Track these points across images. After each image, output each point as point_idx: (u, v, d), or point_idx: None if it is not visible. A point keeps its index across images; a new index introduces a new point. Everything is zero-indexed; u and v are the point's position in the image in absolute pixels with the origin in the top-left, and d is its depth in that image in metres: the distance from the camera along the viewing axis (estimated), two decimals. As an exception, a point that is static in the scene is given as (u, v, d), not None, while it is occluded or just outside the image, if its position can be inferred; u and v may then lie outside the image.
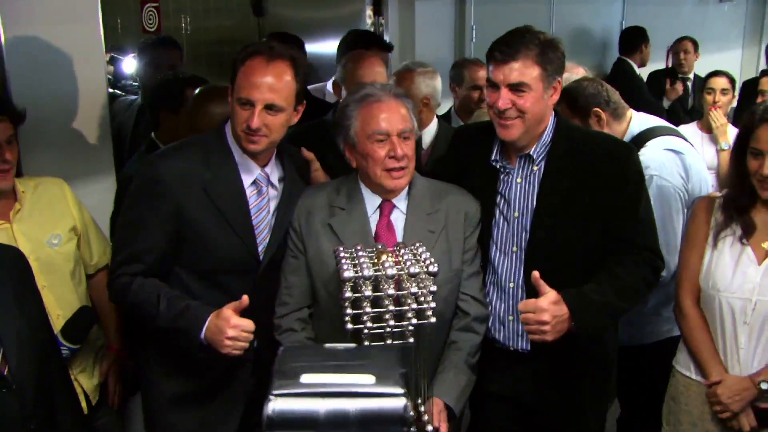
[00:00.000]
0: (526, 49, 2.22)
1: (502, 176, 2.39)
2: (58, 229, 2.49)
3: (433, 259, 1.96)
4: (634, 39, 6.00)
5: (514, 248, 2.37)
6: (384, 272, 1.90)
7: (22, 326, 1.90)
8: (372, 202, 2.32)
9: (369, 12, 4.39)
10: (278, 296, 2.35)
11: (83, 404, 2.52)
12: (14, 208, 2.42)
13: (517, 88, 2.23)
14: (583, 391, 2.46)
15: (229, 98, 2.28)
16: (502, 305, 2.41)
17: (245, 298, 2.12)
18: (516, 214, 2.36)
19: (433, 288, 1.92)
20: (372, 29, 4.38)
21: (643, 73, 6.12)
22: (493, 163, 2.40)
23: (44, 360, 1.97)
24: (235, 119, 2.23)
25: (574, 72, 3.64)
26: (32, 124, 2.79)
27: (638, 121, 3.04)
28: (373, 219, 2.31)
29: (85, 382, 2.58)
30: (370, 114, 2.25)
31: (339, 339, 1.90)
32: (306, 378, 1.48)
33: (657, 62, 6.33)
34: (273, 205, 2.36)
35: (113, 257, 2.34)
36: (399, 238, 2.28)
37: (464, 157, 2.51)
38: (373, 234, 2.29)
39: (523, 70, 2.22)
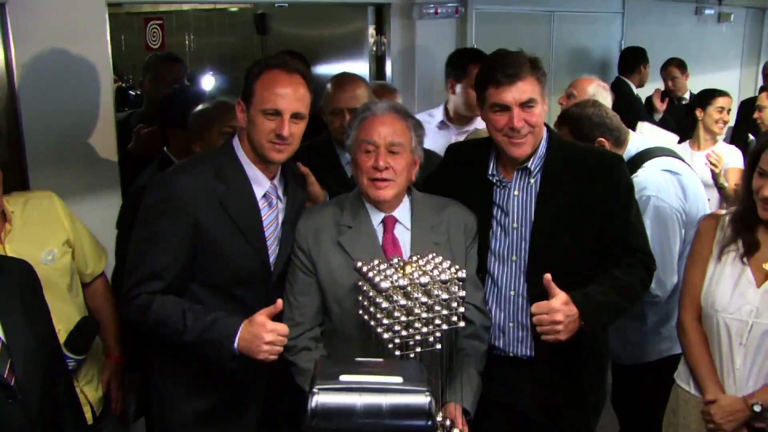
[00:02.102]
0: (524, 67, 2.34)
1: (498, 190, 2.50)
2: (51, 245, 2.49)
3: (458, 266, 2.05)
4: (633, 59, 6.08)
5: (514, 257, 2.46)
6: (417, 281, 1.99)
7: (29, 337, 1.94)
8: (375, 217, 2.39)
9: (371, 31, 4.44)
10: (287, 317, 2.35)
11: (89, 415, 2.54)
12: (5, 229, 2.39)
13: (526, 105, 2.35)
14: (583, 393, 2.54)
15: (240, 113, 2.34)
16: (502, 313, 2.50)
17: (280, 302, 2.18)
18: (515, 225, 2.45)
19: (462, 293, 2.02)
20: (374, 49, 4.43)
21: (642, 94, 6.21)
22: (490, 178, 2.50)
23: (50, 371, 2.01)
24: (257, 130, 2.28)
25: (600, 86, 3.69)
26: (41, 139, 2.88)
27: (635, 142, 3.09)
28: (378, 234, 2.37)
29: (90, 393, 2.60)
30: (365, 126, 2.34)
31: (352, 355, 1.97)
32: (344, 377, 1.68)
33: (656, 82, 6.40)
34: (281, 217, 2.43)
35: (128, 277, 2.31)
36: (404, 252, 2.34)
37: (459, 173, 2.60)
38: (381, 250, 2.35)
39: (529, 87, 2.35)
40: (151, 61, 4.28)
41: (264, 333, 2.13)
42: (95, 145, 3.07)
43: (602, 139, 2.98)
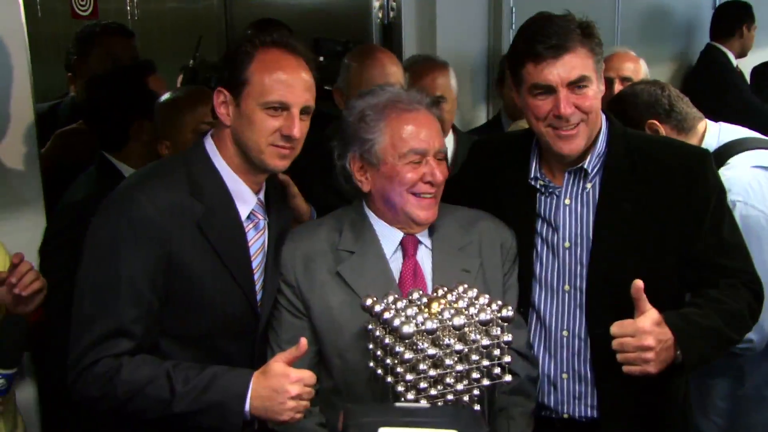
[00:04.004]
0: (573, 35, 2.40)
1: (542, 198, 2.57)
2: None
3: (500, 302, 2.11)
4: (731, 19, 6.06)
5: (566, 287, 2.53)
6: (450, 322, 2.03)
7: None
8: (390, 239, 2.47)
9: (377, -8, 4.51)
10: None
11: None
12: None
13: (576, 84, 2.40)
14: None
15: (221, 107, 2.36)
16: (552, 361, 2.56)
17: (304, 341, 2.19)
18: (567, 244, 2.52)
19: (508, 338, 2.07)
20: (380, 16, 4.49)
21: (746, 66, 6.23)
22: (532, 182, 2.57)
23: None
24: (255, 129, 2.33)
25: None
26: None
27: (716, 132, 3.08)
28: (393, 261, 2.45)
29: None
30: (403, 127, 2.42)
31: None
32: None
33: (765, 50, 6.42)
34: (267, 242, 2.49)
35: (78, 338, 2.26)
36: (428, 283, 2.41)
37: (489, 176, 2.68)
38: (397, 280, 2.42)
39: (580, 61, 2.40)
40: (94, 32, 4.33)
41: (288, 385, 2.14)
42: (7, 148, 3.07)
43: (654, 122, 3.01)
